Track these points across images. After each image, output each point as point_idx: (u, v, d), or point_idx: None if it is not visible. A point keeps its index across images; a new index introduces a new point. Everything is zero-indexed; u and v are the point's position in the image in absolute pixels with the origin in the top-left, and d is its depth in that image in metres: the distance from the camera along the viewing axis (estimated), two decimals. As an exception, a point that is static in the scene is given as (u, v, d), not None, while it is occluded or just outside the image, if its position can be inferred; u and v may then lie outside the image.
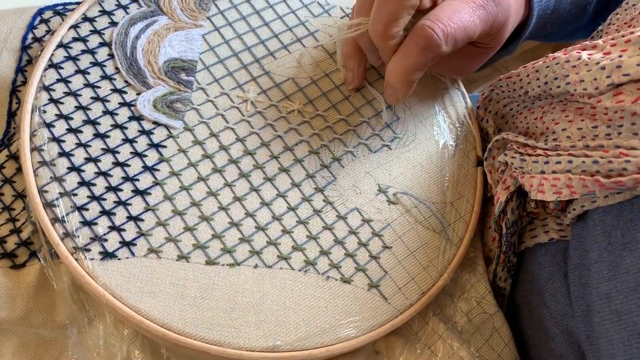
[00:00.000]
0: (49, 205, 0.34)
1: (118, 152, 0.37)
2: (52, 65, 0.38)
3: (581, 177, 0.32)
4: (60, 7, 0.41)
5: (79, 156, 0.36)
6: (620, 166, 0.30)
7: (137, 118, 0.38)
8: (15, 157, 0.38)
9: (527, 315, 0.40)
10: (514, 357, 0.39)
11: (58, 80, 0.38)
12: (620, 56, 0.32)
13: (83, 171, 0.36)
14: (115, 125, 0.37)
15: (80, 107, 0.37)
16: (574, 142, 0.34)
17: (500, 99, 0.43)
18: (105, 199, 0.35)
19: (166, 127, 0.38)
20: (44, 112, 0.36)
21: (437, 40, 0.34)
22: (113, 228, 0.35)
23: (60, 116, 0.37)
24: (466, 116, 0.44)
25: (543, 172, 0.35)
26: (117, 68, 0.39)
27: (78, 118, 0.37)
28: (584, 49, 0.35)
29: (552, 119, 0.37)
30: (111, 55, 0.39)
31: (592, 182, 0.31)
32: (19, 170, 0.37)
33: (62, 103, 0.37)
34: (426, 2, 0.36)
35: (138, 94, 0.38)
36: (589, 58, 0.33)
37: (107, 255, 0.34)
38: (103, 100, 0.38)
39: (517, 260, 0.40)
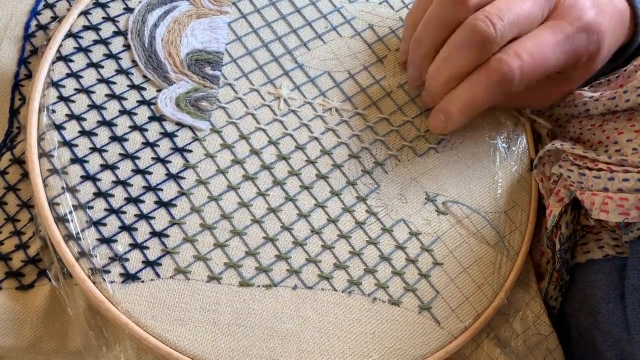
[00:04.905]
0: (61, 220, 0.30)
1: (138, 158, 0.32)
2: (60, 57, 0.33)
3: None
4: (67, -10, 0.37)
5: (94, 163, 0.32)
6: None
7: (159, 118, 0.33)
8: (19, 161, 0.33)
9: (576, 336, 0.36)
10: None
11: (68, 75, 0.33)
12: None
13: (99, 180, 0.31)
14: (134, 127, 0.33)
15: (93, 106, 0.33)
16: None
17: None
18: (124, 212, 0.31)
19: (191, 128, 0.34)
20: (53, 111, 0.32)
21: (512, 77, 0.32)
22: (135, 246, 0.30)
23: (72, 116, 0.32)
24: (519, 116, 0.40)
25: (607, 190, 0.31)
26: (134, 61, 0.34)
27: (92, 119, 0.32)
28: None
29: (614, 128, 0.33)
30: (127, 46, 0.35)
31: None
32: (25, 176, 0.33)
33: (73, 101, 0.33)
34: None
35: (158, 90, 0.34)
36: None
37: (128, 277, 0.30)
38: (119, 98, 0.33)
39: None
